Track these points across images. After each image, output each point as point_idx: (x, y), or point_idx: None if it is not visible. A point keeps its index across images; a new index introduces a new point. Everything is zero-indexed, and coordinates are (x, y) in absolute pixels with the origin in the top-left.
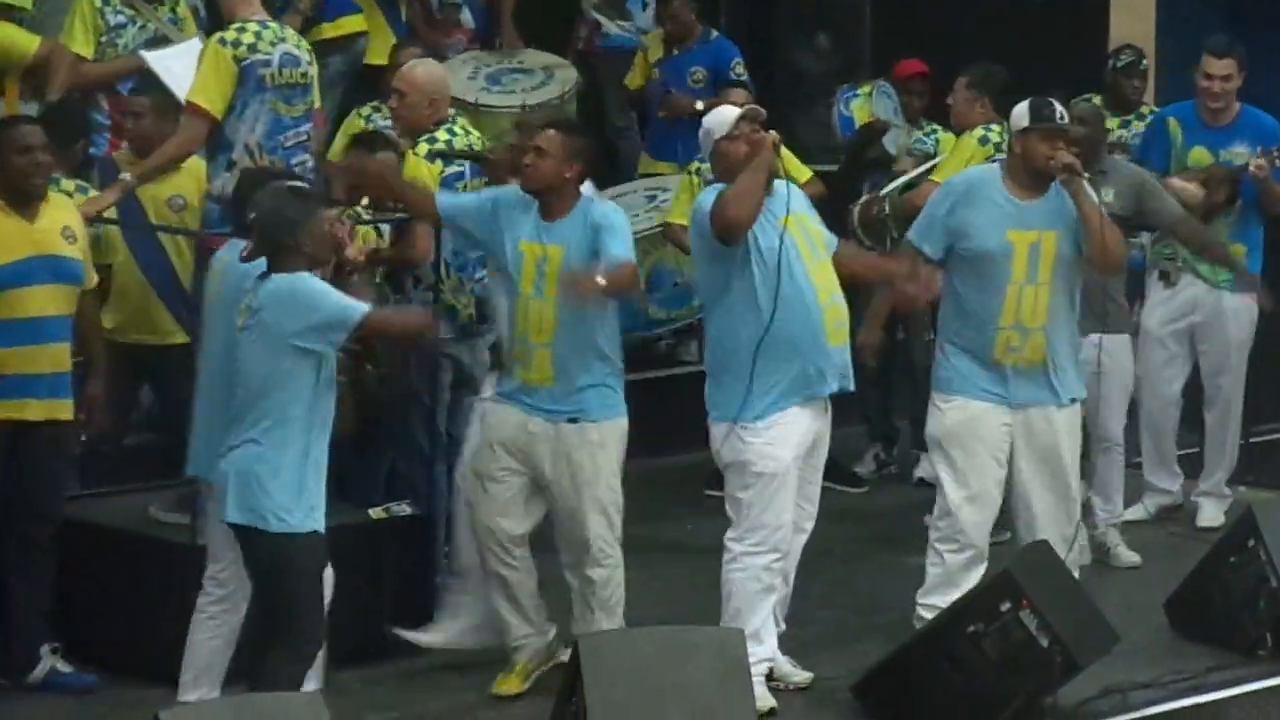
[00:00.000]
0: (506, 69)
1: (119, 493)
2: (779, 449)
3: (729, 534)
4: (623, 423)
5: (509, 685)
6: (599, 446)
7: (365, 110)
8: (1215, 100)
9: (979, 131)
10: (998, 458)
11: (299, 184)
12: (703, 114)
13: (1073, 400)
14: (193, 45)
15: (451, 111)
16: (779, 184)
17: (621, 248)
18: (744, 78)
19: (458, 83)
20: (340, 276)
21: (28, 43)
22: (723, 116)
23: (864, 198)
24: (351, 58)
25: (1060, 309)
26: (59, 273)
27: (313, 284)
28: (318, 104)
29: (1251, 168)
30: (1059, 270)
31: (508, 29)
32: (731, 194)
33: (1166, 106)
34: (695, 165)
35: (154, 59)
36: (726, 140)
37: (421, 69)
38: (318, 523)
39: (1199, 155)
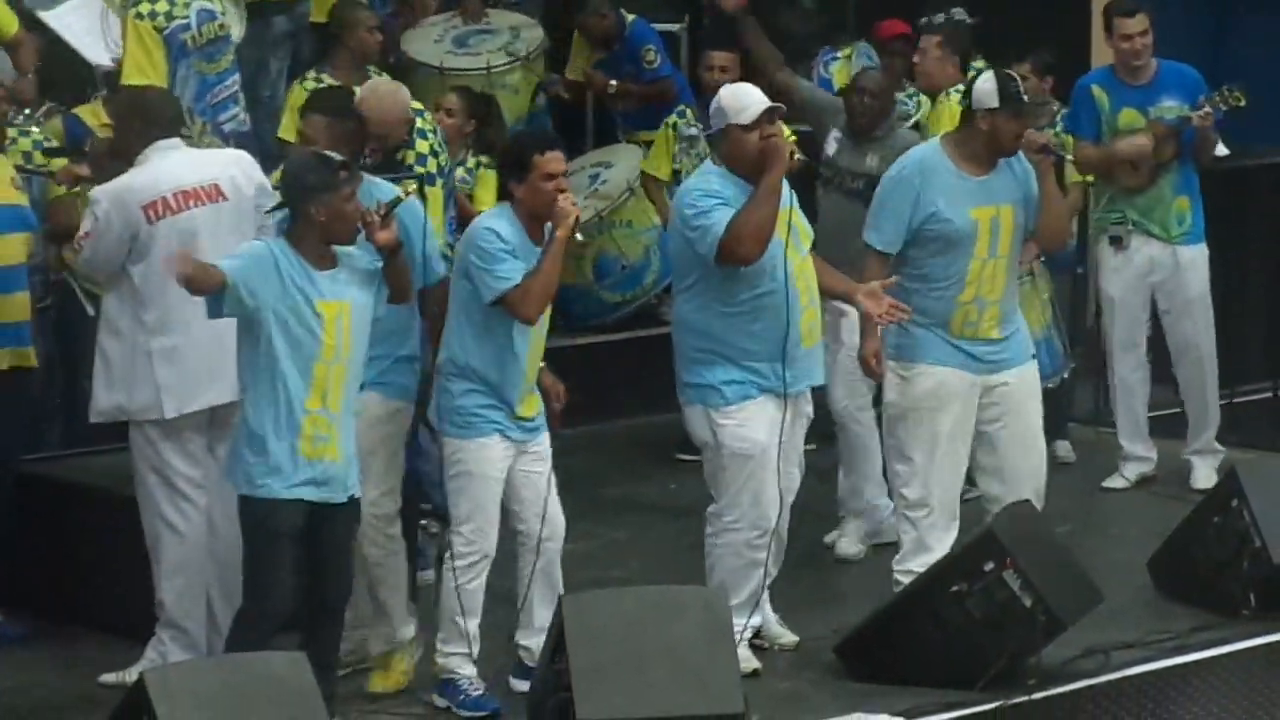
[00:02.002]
0: (474, 30)
1: (101, 452)
2: (751, 430)
3: (711, 508)
4: (395, 404)
5: (387, 683)
6: (372, 420)
7: (309, 82)
8: (1138, 58)
9: (955, 95)
10: (965, 421)
11: (332, 154)
12: (615, 95)
13: (1032, 356)
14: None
15: (418, 107)
16: None
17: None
18: (655, 65)
19: (425, 46)
20: (384, 258)
21: (10, 22)
22: (745, 101)
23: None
24: (296, 18)
25: (1012, 279)
26: (22, 221)
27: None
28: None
29: (1195, 120)
30: (1015, 241)
31: None
32: (747, 230)
33: (1084, 76)
34: (673, 119)
35: (52, 18)
36: (741, 129)
37: (384, 97)
38: (276, 490)
39: (1129, 117)
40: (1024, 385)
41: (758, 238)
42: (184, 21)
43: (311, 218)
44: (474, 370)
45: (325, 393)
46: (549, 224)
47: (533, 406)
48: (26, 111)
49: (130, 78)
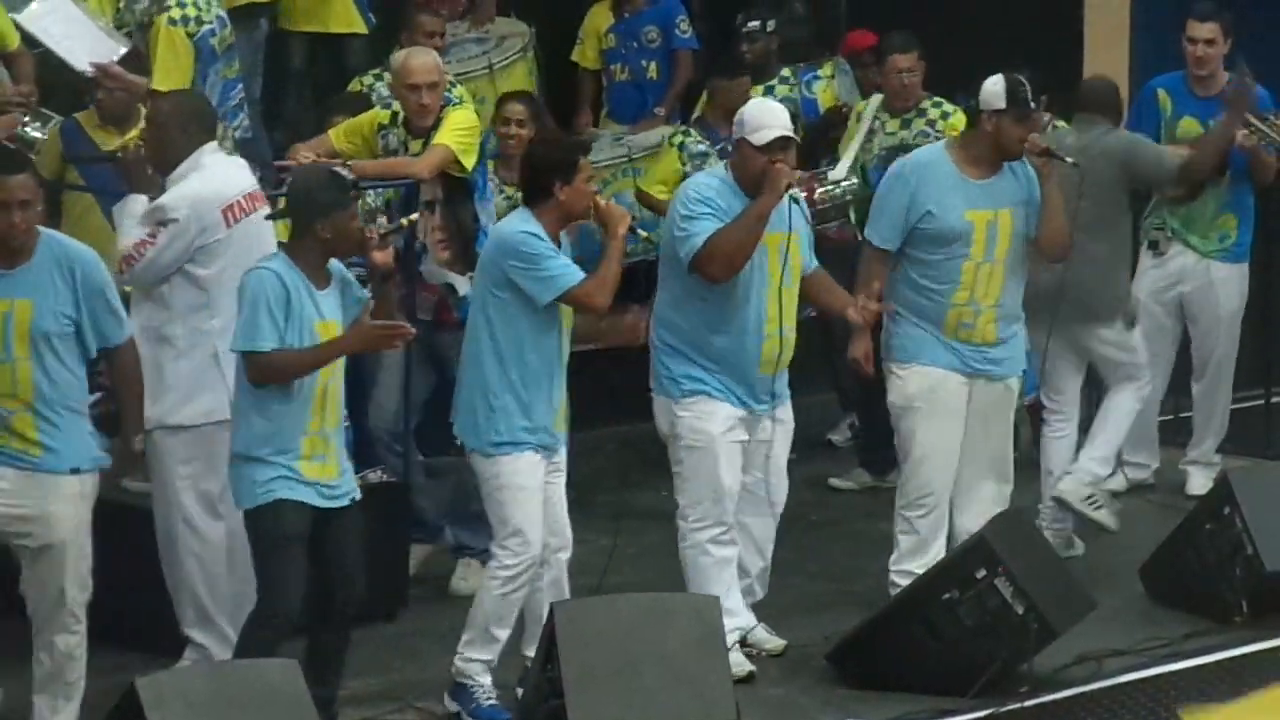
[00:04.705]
0: (466, 39)
1: None
2: (705, 423)
3: (678, 512)
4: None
5: None
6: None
7: (368, 78)
8: (1199, 66)
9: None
10: (957, 420)
11: (342, 172)
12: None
13: (1024, 372)
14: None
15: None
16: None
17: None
18: (687, 35)
19: None
20: (373, 282)
21: (11, 37)
22: (764, 122)
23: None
24: (273, 16)
25: (1011, 286)
26: None
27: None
28: None
29: (1239, 138)
30: (1014, 248)
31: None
32: (720, 251)
33: (1156, 77)
34: (679, 138)
35: (27, 20)
36: (752, 147)
37: (434, 56)
38: (280, 494)
39: (1189, 125)
40: (1004, 399)
41: (729, 261)
42: (211, 26)
43: (318, 234)
44: (513, 384)
45: (324, 414)
46: (564, 230)
47: (561, 422)
48: (37, 123)
49: (161, 83)
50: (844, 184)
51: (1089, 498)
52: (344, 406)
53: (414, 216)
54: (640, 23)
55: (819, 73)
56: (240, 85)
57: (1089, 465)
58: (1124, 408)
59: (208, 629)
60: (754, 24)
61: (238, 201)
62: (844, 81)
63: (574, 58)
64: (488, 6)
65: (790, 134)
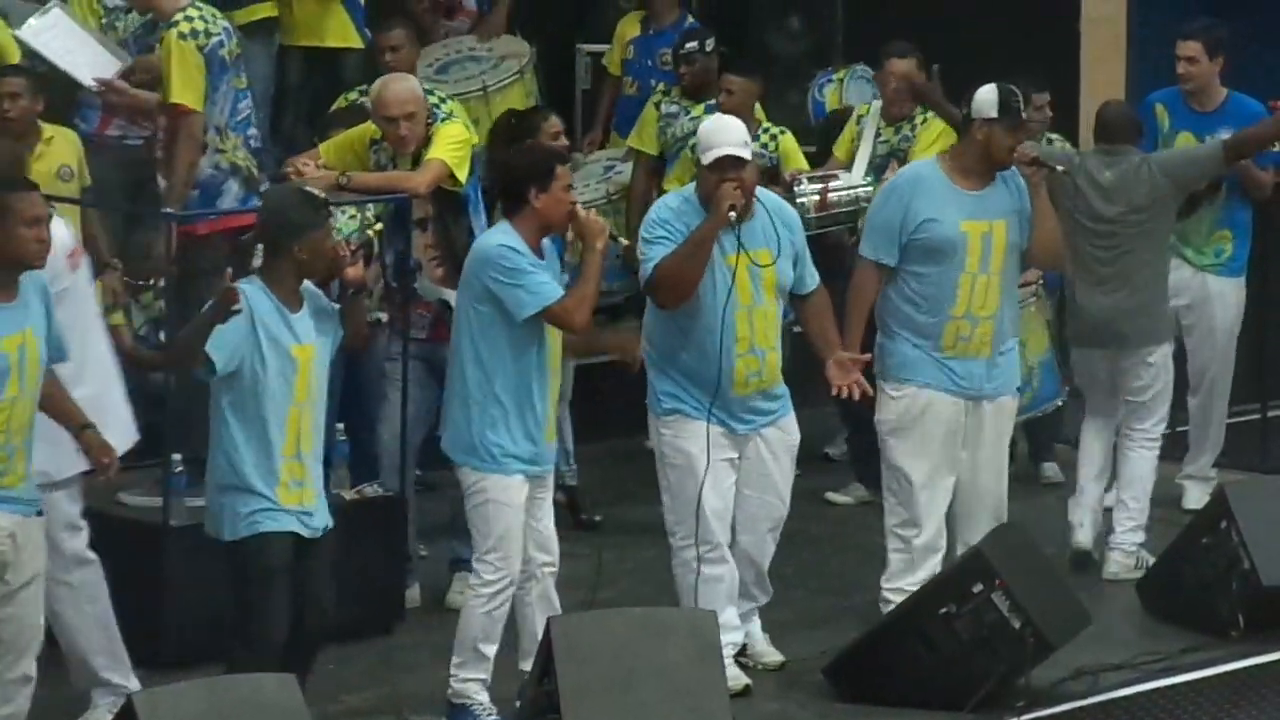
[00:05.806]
0: (467, 57)
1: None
2: (686, 443)
3: (667, 529)
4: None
5: None
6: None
7: (352, 95)
8: (1183, 82)
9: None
10: (953, 440)
11: (313, 191)
12: None
13: (1018, 389)
14: (54, 15)
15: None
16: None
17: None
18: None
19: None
20: (344, 296)
21: (13, 51)
22: (712, 141)
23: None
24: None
25: (1007, 298)
26: None
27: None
28: None
29: None
30: (1009, 259)
31: (497, 13)
32: (664, 278)
33: (1154, 92)
34: (658, 97)
35: (28, 35)
36: (703, 166)
37: (412, 83)
38: (266, 526)
39: (1185, 140)
40: (1000, 417)
41: (674, 288)
42: (219, 38)
43: (294, 255)
44: (498, 397)
45: (299, 438)
46: (545, 239)
47: (552, 433)
48: None
49: (180, 97)
50: (860, 188)
51: (1137, 565)
52: (323, 433)
53: (378, 227)
54: (660, 42)
55: (833, 76)
56: (249, 96)
57: (1128, 539)
58: (1144, 467)
59: (118, 665)
60: (692, 45)
61: (76, 248)
62: (858, 86)
63: (603, 61)
64: (498, 19)
65: (738, 153)
